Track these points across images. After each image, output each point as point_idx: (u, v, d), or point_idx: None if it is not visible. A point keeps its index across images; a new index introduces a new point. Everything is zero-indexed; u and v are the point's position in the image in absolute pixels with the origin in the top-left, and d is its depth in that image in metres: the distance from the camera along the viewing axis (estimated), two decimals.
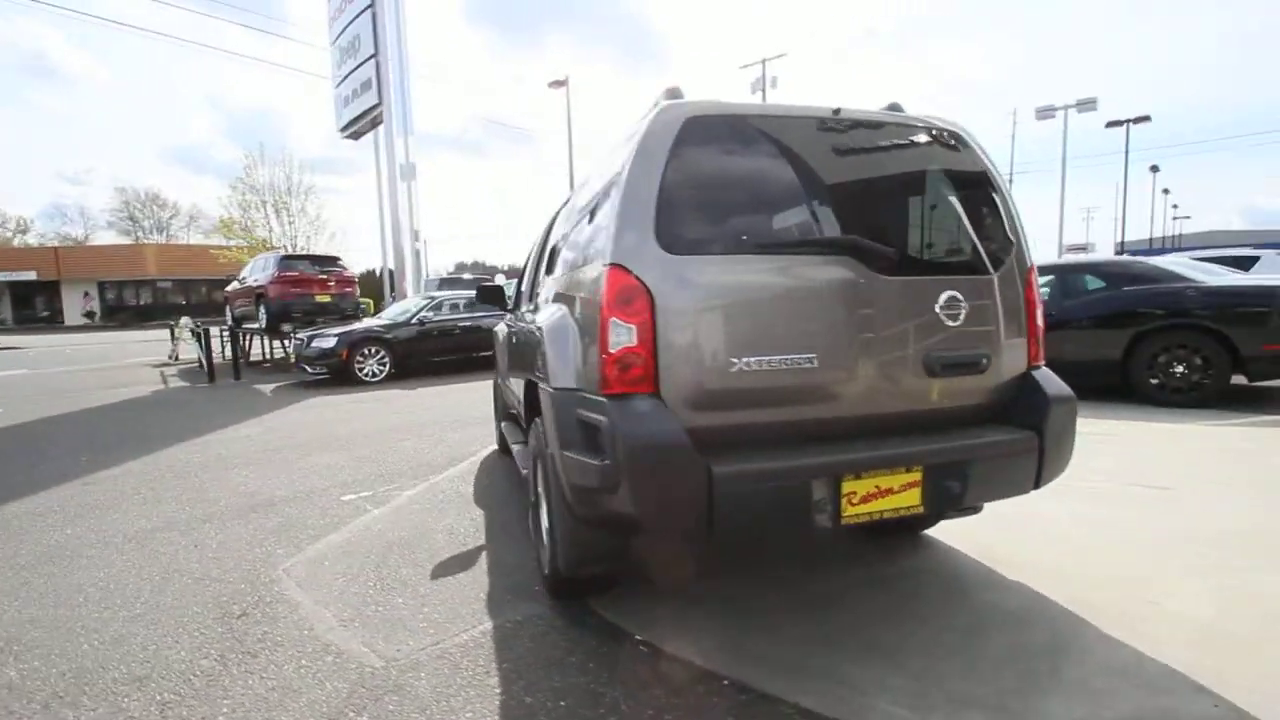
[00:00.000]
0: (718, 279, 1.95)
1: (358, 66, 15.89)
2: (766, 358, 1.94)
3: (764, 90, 32.22)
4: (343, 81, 16.82)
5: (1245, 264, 10.31)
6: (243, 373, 12.07)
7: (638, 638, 2.35)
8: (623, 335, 1.90)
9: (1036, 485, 2.18)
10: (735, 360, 1.92)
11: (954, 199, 2.23)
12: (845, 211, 2.09)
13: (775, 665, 2.12)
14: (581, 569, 2.34)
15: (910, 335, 2.08)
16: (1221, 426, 5.10)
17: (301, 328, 13.52)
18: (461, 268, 47.89)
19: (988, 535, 3.01)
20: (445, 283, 17.40)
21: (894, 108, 2.37)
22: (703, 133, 2.02)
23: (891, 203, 2.21)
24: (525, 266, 4.57)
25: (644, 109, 2.54)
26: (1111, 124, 30.51)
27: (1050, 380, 2.28)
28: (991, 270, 2.22)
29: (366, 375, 10.36)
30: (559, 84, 23.55)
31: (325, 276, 13.21)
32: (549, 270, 2.80)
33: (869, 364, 2.04)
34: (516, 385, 3.54)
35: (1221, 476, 3.89)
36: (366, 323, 11.38)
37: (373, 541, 3.44)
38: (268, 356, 14.94)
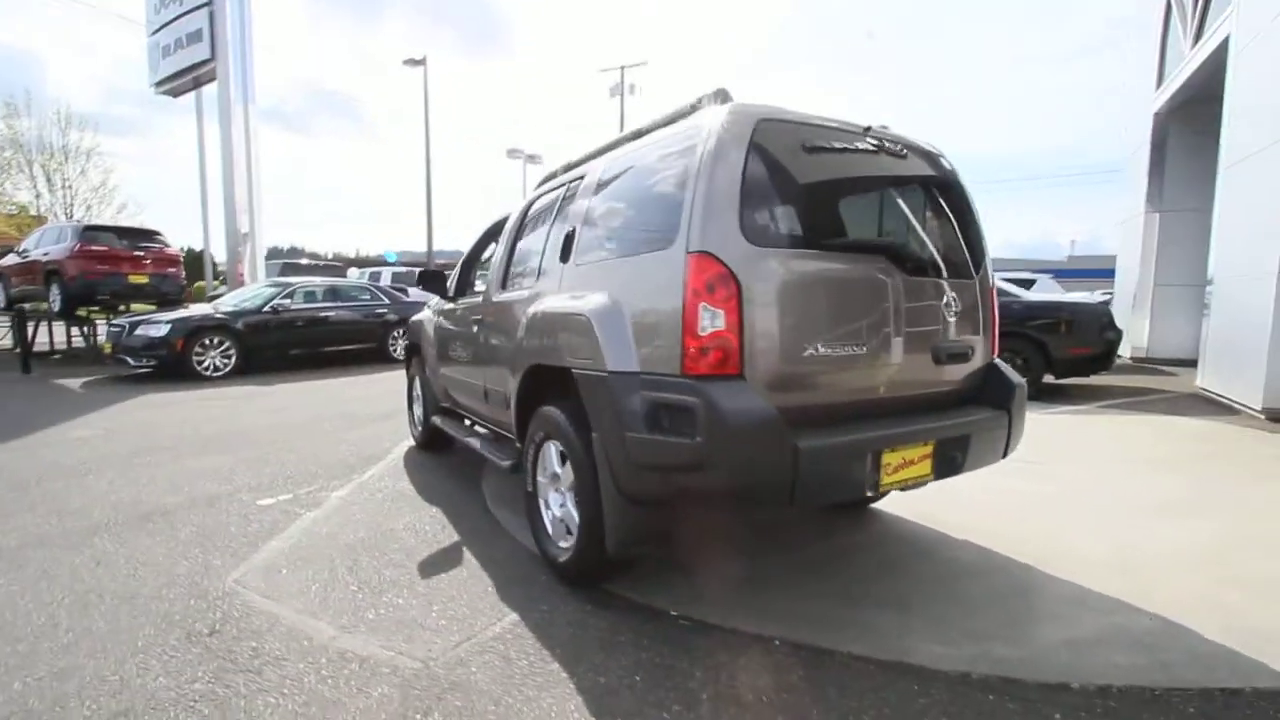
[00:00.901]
0: (791, 271, 2.11)
1: (184, 14, 13.72)
2: (829, 346, 2.14)
3: (622, 96, 32.99)
4: (162, 29, 14.41)
5: (1025, 286, 12.64)
6: (31, 365, 9.94)
7: (673, 613, 2.44)
8: (713, 320, 1.99)
9: (1004, 455, 2.62)
10: (806, 346, 2.10)
11: (949, 212, 2.61)
12: (875, 217, 2.36)
13: (810, 621, 2.33)
14: (630, 549, 2.38)
15: (925, 328, 2.41)
16: (1051, 415, 6.28)
17: (110, 312, 11.50)
18: (296, 253, 43.04)
19: (924, 506, 3.49)
20: (288, 268, 15.63)
21: (884, 128, 2.70)
22: (772, 134, 2.17)
23: (904, 211, 2.53)
24: (471, 256, 4.38)
25: (675, 104, 2.64)
26: None
27: (1008, 369, 2.75)
28: (974, 275, 2.63)
29: (207, 369, 9.07)
30: (415, 63, 22.20)
31: (140, 254, 11.31)
32: (563, 258, 2.76)
33: (898, 353, 2.32)
34: (493, 376, 3.41)
35: (1075, 452, 4.84)
36: (204, 309, 9.93)
37: (327, 545, 3.12)
38: (58, 346, 12.44)
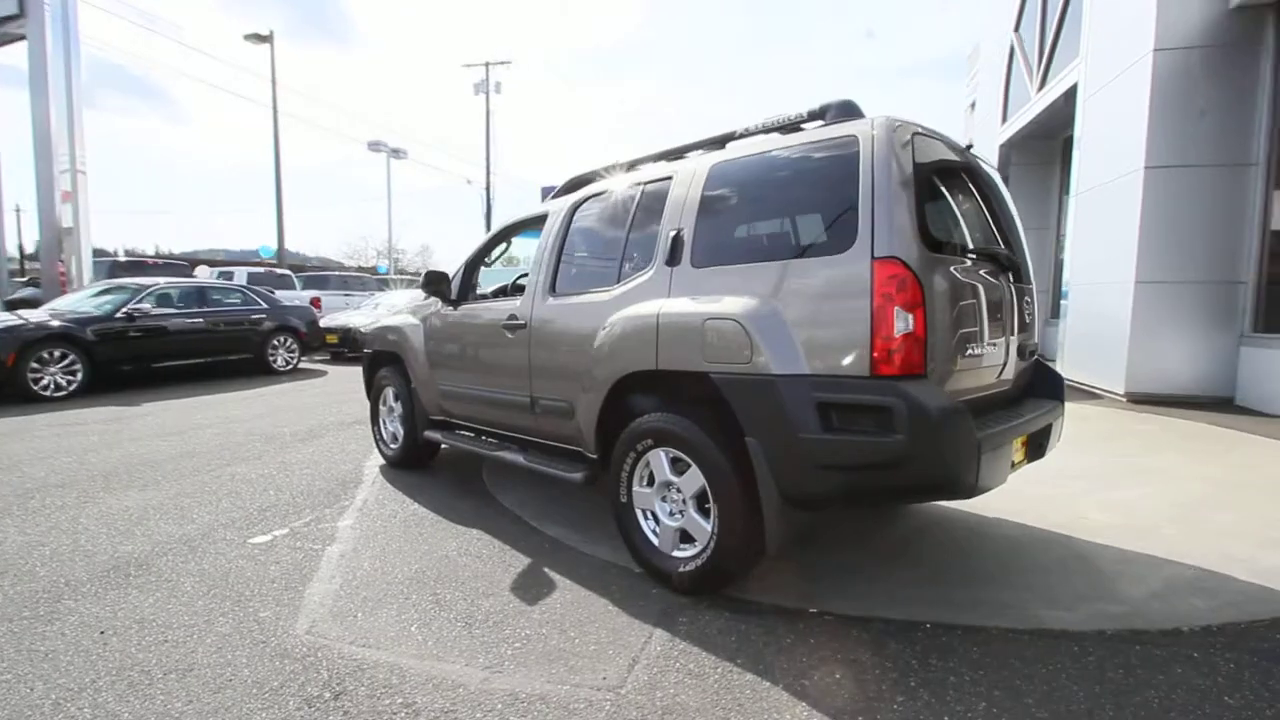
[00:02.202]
0: (954, 275, 2.25)
1: None
2: (975, 345, 2.32)
3: (488, 94, 32.04)
4: None
5: None
6: None
7: (811, 610, 2.48)
8: (904, 323, 2.07)
9: (1059, 441, 2.98)
10: (966, 346, 2.25)
11: (1016, 221, 2.92)
12: (981, 226, 2.59)
13: (937, 604, 2.48)
14: (784, 549, 2.37)
15: (1018, 328, 2.68)
16: None
17: None
18: (101, 253, 35.93)
19: None
20: (121, 267, 13.19)
21: (969, 147, 2.92)
22: (922, 146, 2.29)
23: (991, 222, 2.79)
24: (475, 259, 4.06)
25: (785, 112, 2.69)
26: None
27: (1050, 365, 3.13)
28: (1031, 279, 2.97)
29: (46, 389, 7.47)
30: (261, 39, 19.88)
31: None
32: (671, 261, 2.68)
33: (1009, 351, 2.57)
34: (549, 386, 3.22)
35: None
36: (39, 315, 8.14)
37: (385, 580, 2.76)
38: None
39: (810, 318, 2.23)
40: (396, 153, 25.04)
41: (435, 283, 3.94)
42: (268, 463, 4.79)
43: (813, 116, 2.61)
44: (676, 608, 2.51)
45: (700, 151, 3.01)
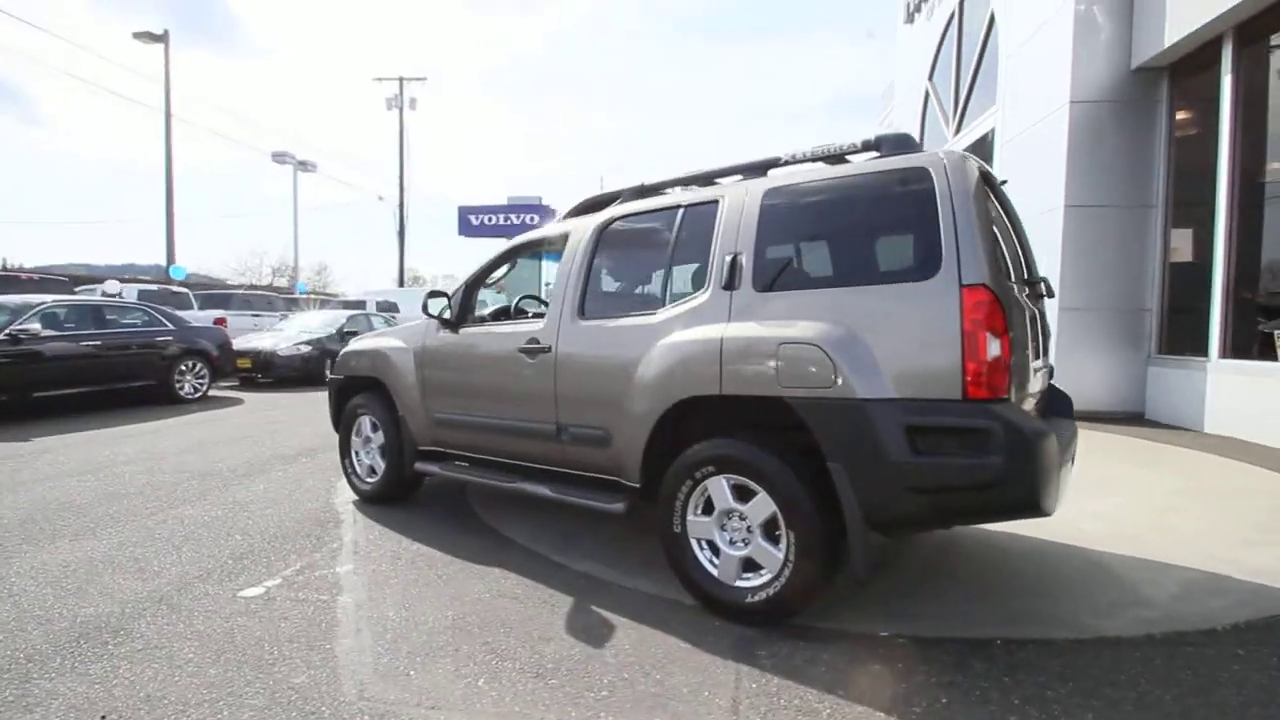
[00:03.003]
0: (1018, 301, 2.36)
1: None
2: (1030, 370, 2.44)
3: (401, 109, 31.04)
4: None
5: None
6: None
7: (883, 634, 2.48)
8: (994, 348, 2.13)
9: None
10: (1029, 368, 2.35)
11: (1030, 244, 3.12)
12: (1013, 252, 2.75)
13: (995, 620, 2.56)
14: (873, 572, 2.35)
15: (1043, 347, 2.85)
16: None
17: None
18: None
19: None
20: None
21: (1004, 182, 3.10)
22: (984, 177, 2.41)
23: (1018, 246, 2.96)
24: (475, 280, 3.84)
25: (835, 142, 2.74)
26: None
27: (1058, 387, 3.34)
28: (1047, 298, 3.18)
29: None
30: (154, 38, 18.27)
31: None
32: (729, 285, 2.64)
33: (1036, 368, 2.72)
34: (579, 412, 3.07)
35: None
36: None
37: (421, 631, 2.50)
38: None
39: (894, 342, 2.26)
40: (305, 165, 23.58)
41: (435, 304, 3.69)
42: (216, 503, 4.27)
43: (866, 147, 2.68)
44: (748, 641, 2.43)
45: (738, 177, 3.02)
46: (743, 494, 2.56)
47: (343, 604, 2.75)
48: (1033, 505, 2.14)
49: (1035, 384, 2.73)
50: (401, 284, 31.97)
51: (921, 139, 12.07)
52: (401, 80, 31.20)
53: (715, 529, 2.64)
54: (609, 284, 3.25)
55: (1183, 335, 6.82)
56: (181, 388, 9.22)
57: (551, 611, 2.69)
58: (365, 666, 2.25)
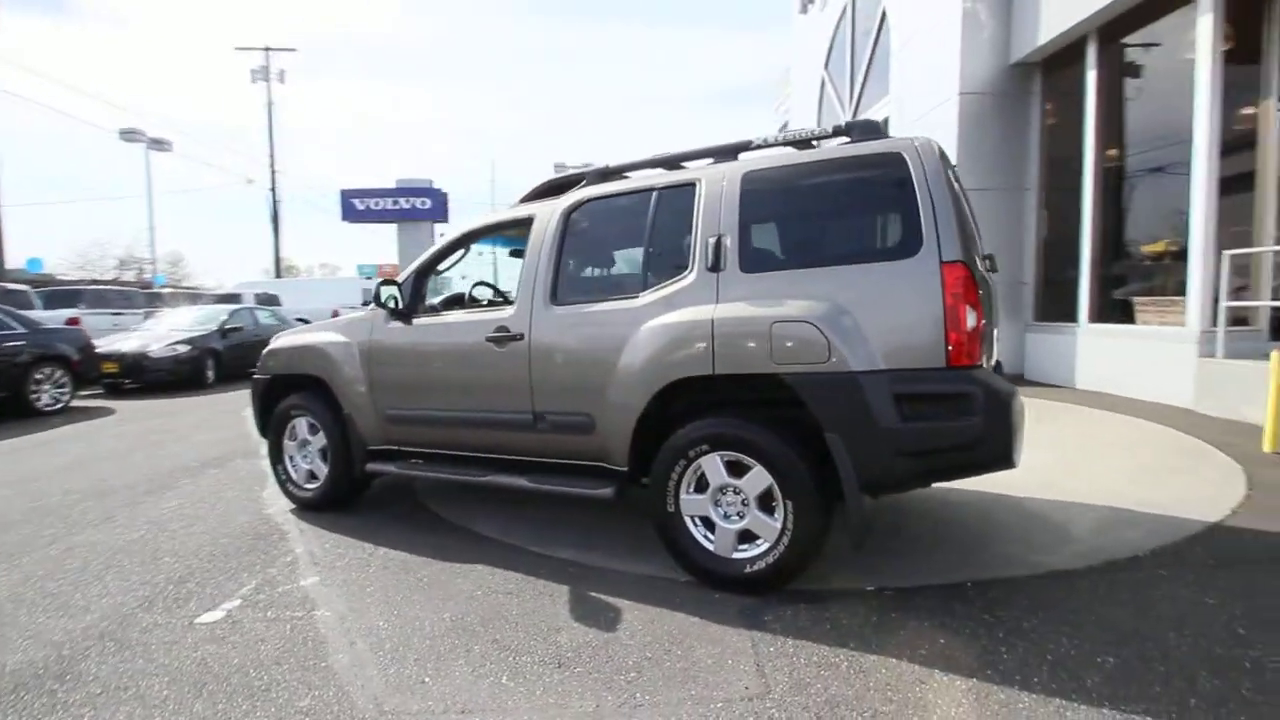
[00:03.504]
0: (984, 275, 2.56)
1: None
2: (991, 336, 2.67)
3: (268, 81, 28.43)
4: None
5: None
6: None
7: (869, 588, 2.66)
8: (971, 319, 2.32)
9: None
10: (993, 337, 2.58)
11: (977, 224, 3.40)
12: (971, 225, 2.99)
13: (970, 566, 2.83)
14: (866, 533, 2.49)
15: (995, 317, 3.13)
16: None
17: None
18: None
19: None
20: None
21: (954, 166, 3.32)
22: (944, 161, 2.59)
23: (973, 225, 3.21)
24: (425, 268, 3.64)
25: (805, 127, 2.85)
26: None
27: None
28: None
29: None
30: None
31: None
32: (714, 267, 2.67)
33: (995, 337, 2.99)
34: (556, 399, 3.01)
35: None
36: None
37: (424, 638, 2.39)
38: None
39: (880, 317, 2.41)
40: (159, 144, 20.96)
41: (386, 294, 3.47)
42: (127, 525, 3.81)
43: (837, 133, 2.80)
44: (751, 609, 2.53)
45: (708, 160, 3.05)
46: (736, 469, 2.64)
47: (322, 618, 2.56)
48: (1007, 459, 2.37)
49: (994, 351, 3.00)
50: (278, 274, 29.48)
51: (818, 124, 12.69)
52: (268, 50, 28.58)
53: (710, 505, 2.70)
54: (581, 268, 3.20)
55: (1055, 304, 7.71)
56: (39, 399, 8.06)
57: (552, 601, 2.65)
58: (373, 680, 2.13)
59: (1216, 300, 5.57)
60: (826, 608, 2.51)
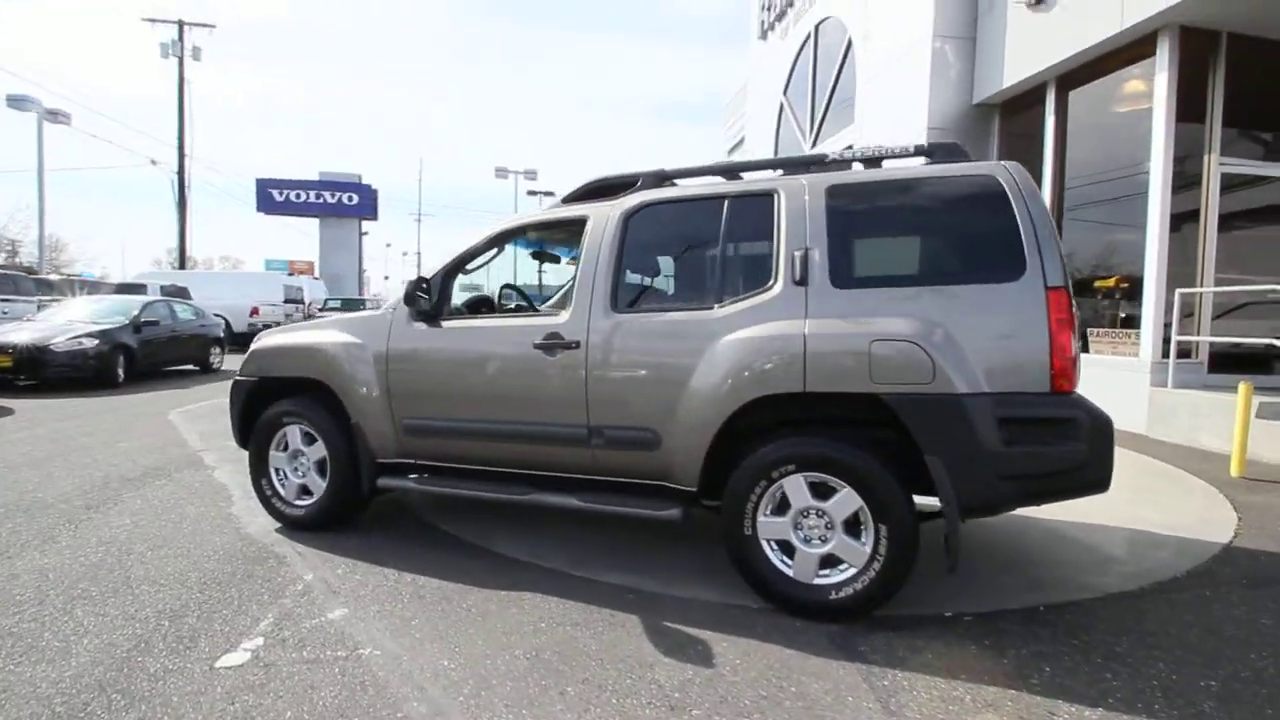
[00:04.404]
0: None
1: None
2: None
3: (181, 58, 26.24)
4: None
5: None
6: None
7: (947, 614, 2.62)
8: (1072, 345, 2.33)
9: None
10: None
11: None
12: None
13: (1038, 589, 2.85)
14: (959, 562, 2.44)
15: None
16: None
17: None
18: None
19: None
20: None
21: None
22: None
23: None
24: (453, 268, 3.34)
25: (883, 144, 2.83)
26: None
27: None
28: None
29: None
30: None
31: None
32: (800, 281, 2.57)
33: None
34: (618, 413, 2.82)
35: None
36: None
37: (501, 676, 2.13)
38: None
39: (982, 339, 2.39)
40: (55, 115, 18.74)
41: (418, 293, 3.15)
42: (78, 546, 3.27)
43: (919, 152, 2.80)
44: (842, 638, 2.42)
45: (777, 172, 2.98)
46: (820, 491, 2.54)
47: (373, 658, 2.24)
48: (1104, 483, 2.40)
49: None
50: (183, 265, 27.07)
51: (776, 149, 13.03)
52: (181, 24, 26.44)
53: (790, 528, 2.59)
54: (645, 275, 3.04)
55: None
56: None
57: (628, 634, 2.45)
58: (455, 712, 1.86)
59: (1167, 333, 6.06)
60: (915, 636, 2.44)
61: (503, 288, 3.82)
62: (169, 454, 5.39)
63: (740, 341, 2.63)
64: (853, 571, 2.50)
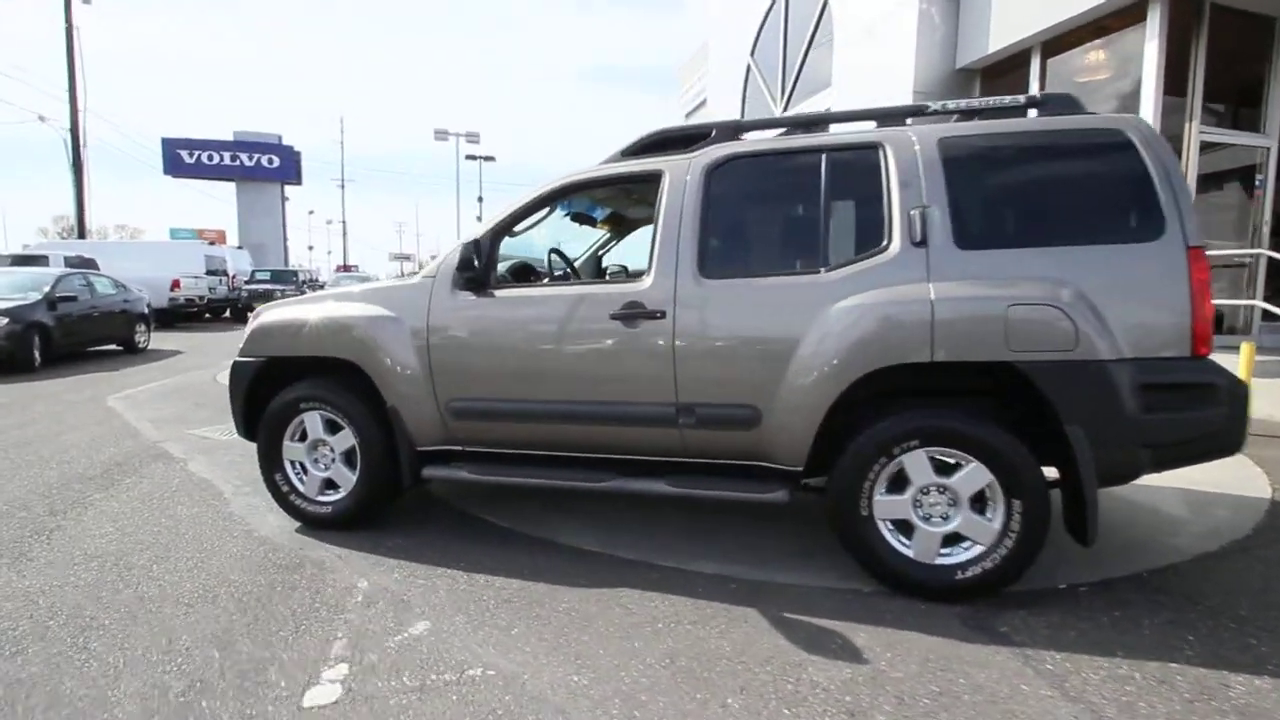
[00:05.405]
0: None
1: None
2: None
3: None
4: None
5: None
6: None
7: (1061, 586, 2.55)
8: (1212, 308, 2.24)
9: None
10: None
11: None
12: None
13: (1107, 558, 2.83)
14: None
15: None
16: None
17: None
18: None
19: None
20: None
21: None
22: None
23: None
24: (504, 230, 2.96)
25: (996, 97, 2.64)
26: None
27: None
28: None
29: None
30: None
31: None
32: (919, 242, 2.37)
33: None
34: (713, 388, 2.58)
35: None
36: None
37: (651, 691, 1.89)
38: None
39: (1122, 302, 2.26)
40: None
41: (477, 265, 2.76)
42: (59, 562, 2.80)
43: (1031, 104, 2.63)
44: (975, 620, 2.30)
45: (870, 124, 2.75)
46: (942, 467, 2.40)
47: (489, 680, 1.95)
48: (1238, 447, 2.35)
49: None
50: (81, 234, 24.46)
51: (743, 113, 12.77)
52: None
53: (910, 506, 2.44)
54: (733, 236, 2.76)
55: None
56: None
57: (755, 630, 2.24)
58: None
59: None
60: (1045, 611, 2.36)
61: (550, 252, 3.45)
62: (125, 446, 4.76)
63: (856, 308, 2.41)
64: (979, 549, 2.37)
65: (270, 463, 3.19)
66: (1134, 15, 6.44)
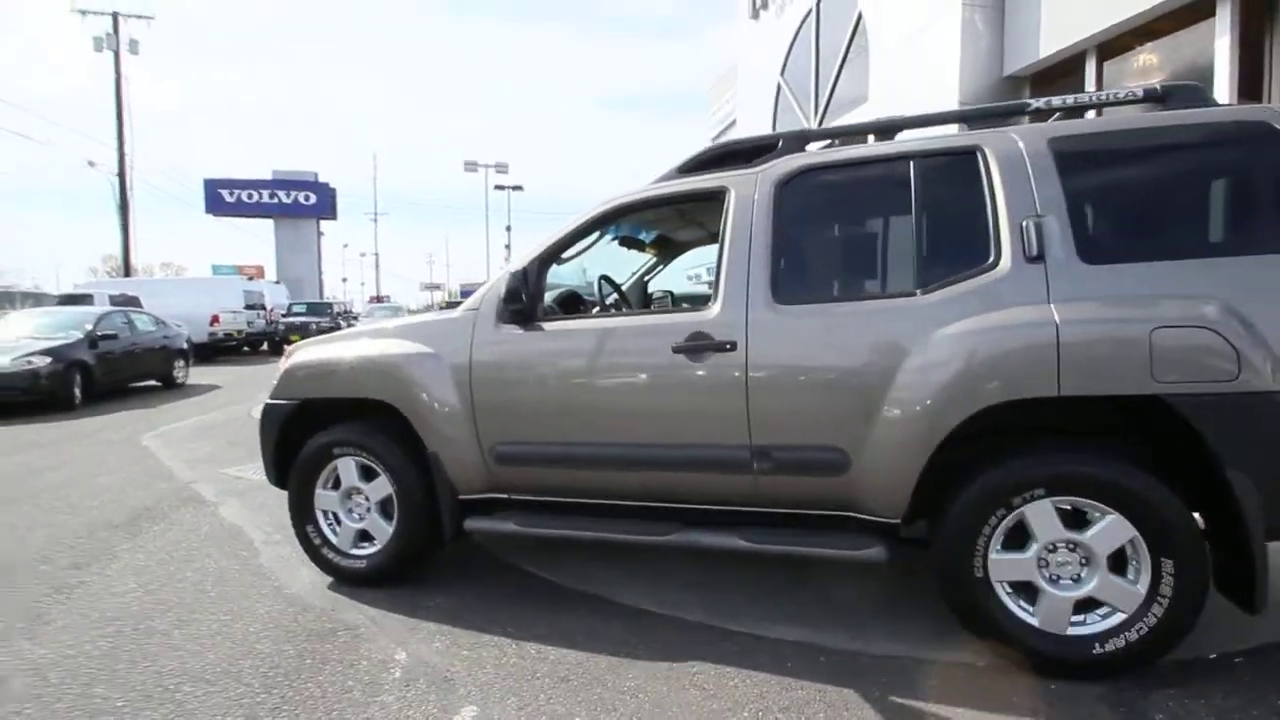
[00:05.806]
0: None
1: None
2: None
3: (117, 52, 24.41)
4: None
5: None
6: None
7: (1211, 656, 2.15)
8: None
9: None
10: None
11: None
12: None
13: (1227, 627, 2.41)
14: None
15: None
16: None
17: None
18: None
19: None
20: None
21: None
22: None
23: None
24: (551, 257, 2.72)
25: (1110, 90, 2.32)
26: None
27: None
28: None
29: None
30: None
31: None
32: (1034, 257, 2.05)
33: None
34: (795, 428, 2.26)
35: None
36: None
37: None
38: None
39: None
40: None
41: (522, 298, 2.52)
42: (75, 626, 2.57)
43: (1149, 97, 2.30)
44: (1122, 703, 1.92)
45: (958, 126, 2.46)
46: (1072, 520, 2.03)
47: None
48: None
49: None
50: (127, 272, 25.24)
51: (774, 130, 12.57)
52: (116, 16, 24.62)
53: (1034, 566, 2.07)
54: (811, 257, 2.47)
55: None
56: None
57: (862, 718, 1.89)
58: None
59: None
60: (1203, 690, 1.97)
61: (600, 279, 3.19)
62: (157, 489, 4.60)
63: (962, 335, 2.08)
64: (1121, 617, 2.00)
65: (301, 513, 2.95)
66: (1201, 11, 6.04)
